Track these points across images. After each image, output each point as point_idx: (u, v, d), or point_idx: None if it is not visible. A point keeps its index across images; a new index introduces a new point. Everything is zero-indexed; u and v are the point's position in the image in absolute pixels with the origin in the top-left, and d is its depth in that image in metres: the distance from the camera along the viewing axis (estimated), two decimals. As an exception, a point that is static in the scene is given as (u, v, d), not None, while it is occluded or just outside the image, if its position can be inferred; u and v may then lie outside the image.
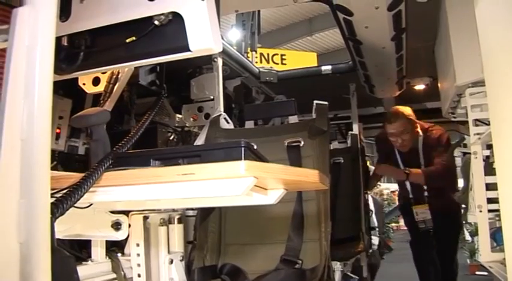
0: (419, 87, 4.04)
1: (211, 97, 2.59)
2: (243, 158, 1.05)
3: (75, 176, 1.17)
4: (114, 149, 1.47)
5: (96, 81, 2.20)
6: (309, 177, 1.25)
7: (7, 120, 0.75)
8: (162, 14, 1.14)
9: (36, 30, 0.77)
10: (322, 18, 13.38)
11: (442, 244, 3.82)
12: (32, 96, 0.75)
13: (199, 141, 2.30)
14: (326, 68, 3.57)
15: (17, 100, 0.76)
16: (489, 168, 2.07)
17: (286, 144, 2.11)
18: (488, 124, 1.94)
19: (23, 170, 0.74)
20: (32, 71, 0.76)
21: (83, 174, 1.17)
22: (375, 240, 5.73)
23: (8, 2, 1.37)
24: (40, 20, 0.78)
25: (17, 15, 0.78)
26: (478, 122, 2.18)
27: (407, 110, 3.62)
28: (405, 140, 3.63)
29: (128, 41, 1.18)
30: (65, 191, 1.07)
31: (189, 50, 1.12)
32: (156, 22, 1.15)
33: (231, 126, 2.38)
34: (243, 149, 1.07)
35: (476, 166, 2.09)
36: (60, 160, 2.52)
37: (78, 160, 2.68)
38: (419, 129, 3.67)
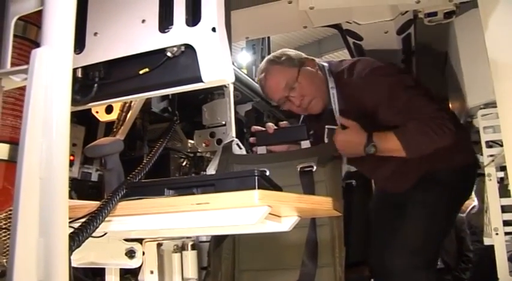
0: (431, 108, 4.02)
1: (223, 122, 2.60)
2: (256, 187, 1.06)
3: (89, 205, 1.18)
4: (128, 178, 1.48)
5: (109, 110, 2.23)
6: (323, 204, 1.25)
7: (26, 159, 0.77)
8: (175, 46, 1.15)
9: (54, 70, 0.79)
10: (331, 39, 13.41)
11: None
12: (50, 135, 0.77)
13: (212, 167, 2.30)
14: (337, 91, 3.57)
15: (35, 139, 0.77)
16: (504, 190, 2.06)
17: (298, 169, 2.11)
18: (502, 145, 1.93)
19: (41, 208, 0.75)
20: (50, 111, 0.78)
21: (97, 203, 1.18)
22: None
23: (25, 36, 1.40)
24: (58, 60, 0.80)
25: (35, 56, 0.80)
26: (491, 143, 2.16)
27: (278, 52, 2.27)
28: (304, 97, 2.16)
29: (141, 72, 1.20)
30: (80, 221, 1.08)
31: (202, 81, 1.13)
32: (169, 54, 1.16)
33: (243, 151, 2.39)
34: (256, 178, 1.08)
35: (491, 188, 2.07)
36: (74, 187, 2.54)
37: (92, 186, 2.71)
38: (319, 71, 2.20)
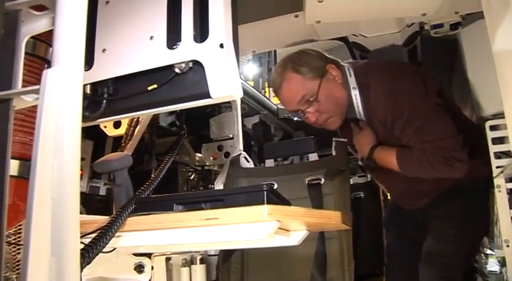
0: (438, 118, 4.00)
1: (231, 136, 2.60)
2: (265, 202, 1.06)
3: (99, 221, 1.18)
4: (137, 193, 1.48)
5: (117, 124, 2.25)
6: (332, 218, 1.25)
7: (38, 179, 0.78)
8: (183, 62, 1.16)
9: (65, 90, 0.80)
10: (337, 50, 13.35)
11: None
12: (61, 155, 0.78)
13: (220, 181, 2.30)
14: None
15: (47, 159, 0.78)
16: (514, 201, 2.03)
17: (306, 182, 2.11)
18: (510, 156, 1.92)
19: (53, 228, 0.76)
20: (61, 131, 0.79)
21: (106, 218, 1.18)
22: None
23: (34, 53, 1.42)
24: (69, 80, 0.81)
25: (46, 76, 0.81)
26: (500, 154, 2.15)
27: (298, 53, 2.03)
28: (321, 114, 1.94)
29: (149, 88, 1.21)
30: (90, 236, 1.09)
31: (210, 97, 1.14)
32: (177, 70, 1.17)
33: (251, 165, 2.38)
34: (265, 193, 1.08)
35: (501, 200, 2.05)
36: (82, 201, 2.53)
37: (100, 200, 2.71)
38: (340, 80, 1.94)
